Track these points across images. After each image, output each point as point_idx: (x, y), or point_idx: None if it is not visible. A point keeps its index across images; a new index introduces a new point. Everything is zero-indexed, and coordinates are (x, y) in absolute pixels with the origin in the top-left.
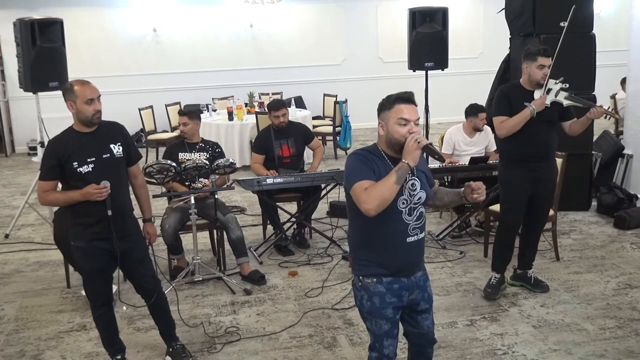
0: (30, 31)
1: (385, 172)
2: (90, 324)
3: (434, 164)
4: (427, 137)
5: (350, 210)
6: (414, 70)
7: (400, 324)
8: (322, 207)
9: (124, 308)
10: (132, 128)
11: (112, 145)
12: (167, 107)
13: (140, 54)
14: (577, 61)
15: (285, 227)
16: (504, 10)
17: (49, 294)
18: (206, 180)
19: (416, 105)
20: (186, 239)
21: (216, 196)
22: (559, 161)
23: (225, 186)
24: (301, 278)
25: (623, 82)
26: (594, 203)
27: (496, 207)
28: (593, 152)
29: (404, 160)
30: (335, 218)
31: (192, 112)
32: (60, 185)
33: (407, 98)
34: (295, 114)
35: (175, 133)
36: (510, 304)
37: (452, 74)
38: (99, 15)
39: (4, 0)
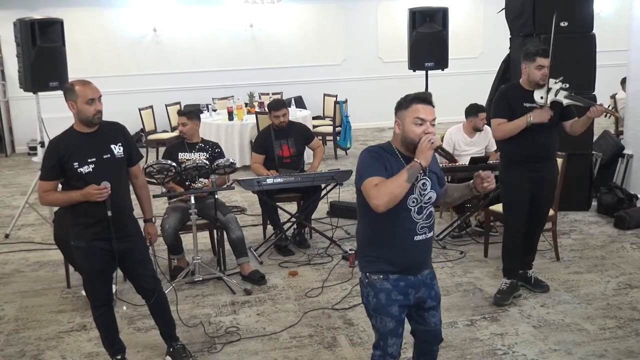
0: (30, 31)
1: (398, 169)
2: (90, 324)
3: None
4: None
5: (360, 206)
6: (414, 70)
7: (406, 322)
8: (322, 207)
9: (124, 308)
10: (132, 128)
11: (112, 146)
12: (167, 107)
13: (140, 54)
14: (577, 61)
15: (286, 227)
16: (504, 10)
17: (49, 294)
18: (206, 180)
19: (433, 106)
20: (186, 239)
21: (216, 196)
22: (559, 161)
23: (225, 186)
24: (301, 278)
25: (623, 82)
26: (594, 203)
27: (496, 207)
28: (593, 152)
29: (416, 160)
30: (335, 218)
31: (191, 112)
32: (60, 185)
33: (424, 98)
34: (295, 114)
35: (175, 133)
36: (511, 304)
37: (452, 74)
38: (99, 15)
39: (4, 0)
